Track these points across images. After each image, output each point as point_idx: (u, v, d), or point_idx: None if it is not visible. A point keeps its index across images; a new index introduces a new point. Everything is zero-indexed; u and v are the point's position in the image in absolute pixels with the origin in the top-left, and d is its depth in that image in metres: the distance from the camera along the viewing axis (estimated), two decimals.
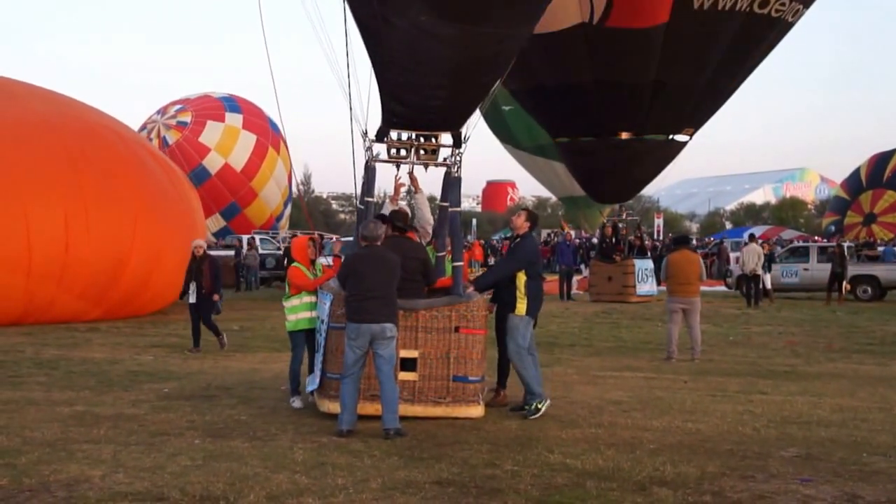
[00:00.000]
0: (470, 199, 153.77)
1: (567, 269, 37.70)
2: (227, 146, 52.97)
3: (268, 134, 54.70)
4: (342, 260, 12.21)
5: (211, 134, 52.94)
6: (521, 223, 12.68)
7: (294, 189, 60.54)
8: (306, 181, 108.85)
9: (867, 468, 9.50)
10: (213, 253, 43.20)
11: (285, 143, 56.56)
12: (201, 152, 52.47)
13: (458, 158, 12.66)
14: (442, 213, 12.73)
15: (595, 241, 47.14)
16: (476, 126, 12.98)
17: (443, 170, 12.76)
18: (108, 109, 30.77)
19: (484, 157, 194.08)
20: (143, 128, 54.77)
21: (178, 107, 55.23)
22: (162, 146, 51.78)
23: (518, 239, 12.79)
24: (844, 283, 35.38)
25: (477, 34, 11.73)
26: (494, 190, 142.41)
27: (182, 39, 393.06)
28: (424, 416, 11.64)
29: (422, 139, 12.67)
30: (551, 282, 37.87)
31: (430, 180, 12.93)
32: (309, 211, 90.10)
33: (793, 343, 21.84)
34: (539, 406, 12.09)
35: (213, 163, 52.57)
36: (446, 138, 12.75)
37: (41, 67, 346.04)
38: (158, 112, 55.62)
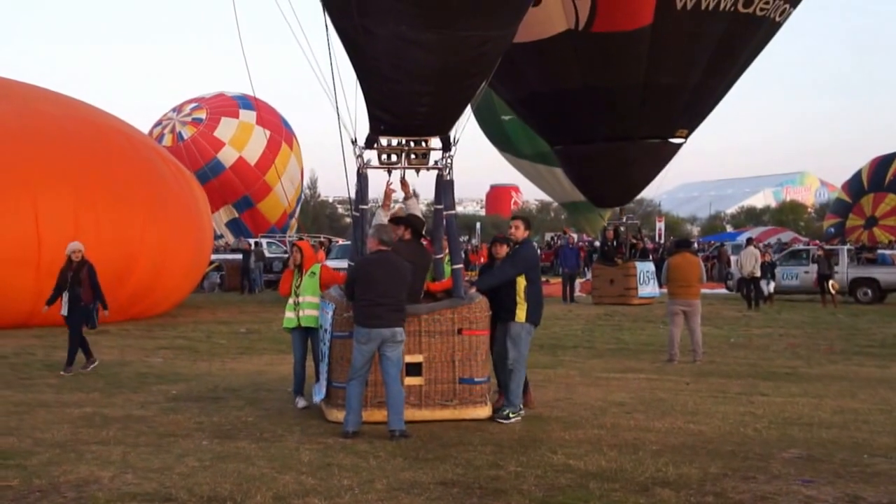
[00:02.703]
0: (474, 202, 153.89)
1: (570, 273, 37.77)
2: (242, 140, 53.52)
3: (281, 131, 55.24)
4: (354, 263, 12.19)
5: (225, 129, 53.49)
6: (522, 233, 12.70)
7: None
8: (312, 185, 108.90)
9: (868, 469, 9.57)
10: (220, 257, 43.66)
11: (297, 141, 56.90)
12: (216, 146, 53.06)
13: (448, 161, 12.64)
14: (437, 217, 12.75)
15: (597, 244, 47.16)
16: (465, 128, 12.95)
17: (436, 173, 12.77)
18: (120, 111, 31.01)
19: (487, 161, 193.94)
20: (159, 124, 55.50)
21: (193, 105, 55.79)
22: (177, 141, 52.59)
23: (518, 245, 12.82)
24: (832, 282, 35.56)
25: (458, 39, 11.72)
26: (498, 194, 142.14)
27: (194, 42, 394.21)
28: (432, 419, 11.70)
29: (412, 144, 12.66)
30: (554, 284, 38.06)
31: (428, 183, 12.89)
32: (315, 215, 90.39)
33: (793, 345, 21.88)
34: (511, 415, 12.06)
35: (227, 156, 53.18)
36: (436, 142, 12.74)
37: (49, 70, 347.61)
38: (174, 110, 56.18)
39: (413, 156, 12.69)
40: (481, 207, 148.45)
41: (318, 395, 12.34)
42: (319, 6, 12.28)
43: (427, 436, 10.98)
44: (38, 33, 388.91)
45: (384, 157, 12.67)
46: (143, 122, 78.96)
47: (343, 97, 12.36)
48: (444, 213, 12.62)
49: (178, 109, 56.04)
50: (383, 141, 12.62)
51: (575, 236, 56.88)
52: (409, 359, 11.66)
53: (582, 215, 52.02)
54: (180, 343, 21.63)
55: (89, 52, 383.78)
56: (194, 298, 33.31)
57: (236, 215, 55.14)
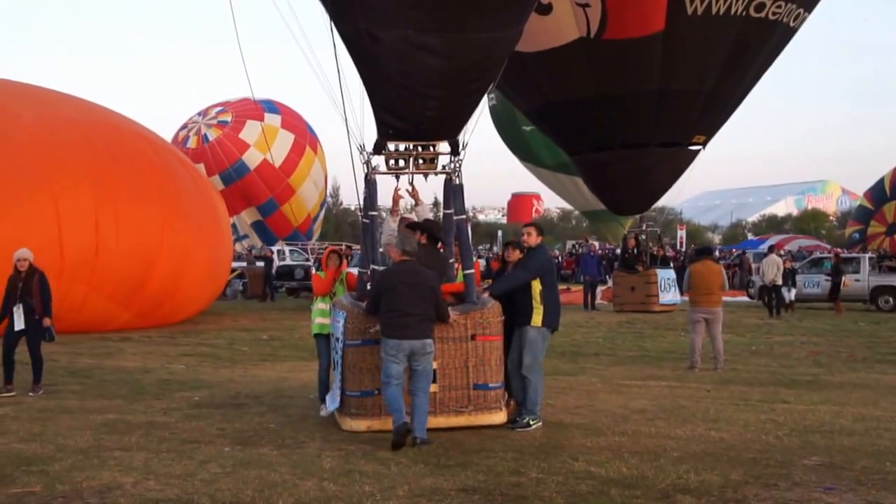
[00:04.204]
0: (495, 210, 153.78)
1: (591, 280, 37.77)
2: (266, 143, 53.84)
3: (305, 134, 55.78)
4: (378, 275, 12.06)
5: (250, 131, 54.10)
6: (535, 239, 12.55)
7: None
8: (335, 193, 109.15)
9: (890, 477, 9.54)
10: (241, 264, 43.79)
11: (322, 146, 57.28)
12: (241, 148, 53.69)
13: (457, 166, 12.50)
14: (446, 221, 12.65)
15: (619, 252, 47.19)
16: (474, 131, 12.80)
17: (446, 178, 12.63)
18: (144, 117, 31.21)
19: (509, 169, 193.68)
20: (184, 127, 56.13)
21: (218, 108, 56.30)
22: (202, 143, 53.22)
23: (531, 250, 12.74)
24: (844, 278, 35.78)
25: (465, 41, 11.64)
26: (519, 202, 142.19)
27: (220, 48, 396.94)
28: (447, 426, 11.62)
29: (419, 148, 12.53)
30: (576, 292, 38.05)
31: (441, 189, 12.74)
32: (337, 222, 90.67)
33: (815, 353, 21.83)
34: (531, 423, 11.98)
35: (252, 158, 53.89)
36: (444, 146, 12.59)
37: (72, 76, 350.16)
38: (199, 114, 56.79)
39: (421, 161, 12.59)
40: (503, 215, 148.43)
41: (332, 404, 12.19)
42: (324, 12, 12.20)
43: (449, 442, 10.99)
44: (60, 39, 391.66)
45: (391, 162, 12.58)
46: (167, 129, 79.17)
47: (350, 103, 12.34)
48: (455, 217, 12.51)
49: (203, 113, 56.63)
50: (391, 146, 12.51)
51: (596, 244, 56.86)
52: None
53: (603, 224, 52.08)
54: (203, 350, 21.77)
55: (114, 57, 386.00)
56: (217, 305, 33.45)
57: (260, 218, 55.58)
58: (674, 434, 11.72)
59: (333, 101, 12.30)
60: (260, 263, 44.87)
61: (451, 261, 12.67)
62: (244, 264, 44.80)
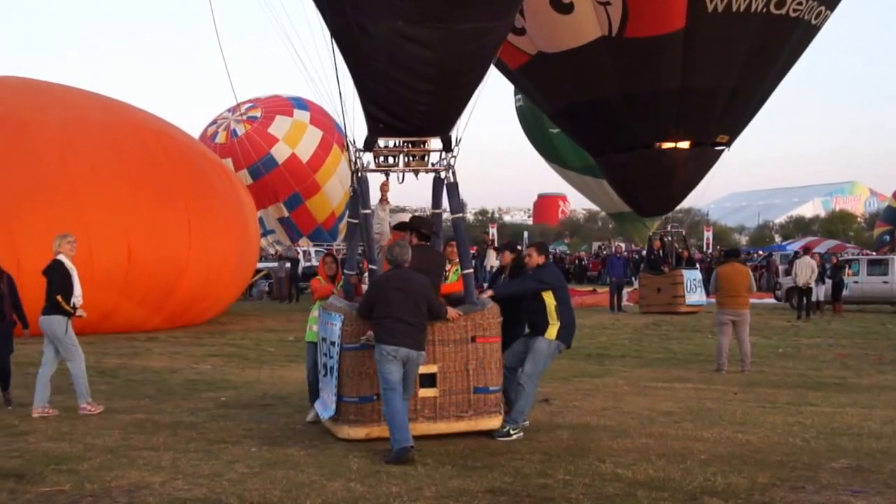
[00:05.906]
0: (521, 212, 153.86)
1: (617, 282, 37.70)
2: (295, 138, 54.75)
3: (333, 132, 55.95)
4: (370, 282, 11.80)
5: (279, 126, 54.74)
6: (536, 259, 12.27)
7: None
8: None
9: None
10: (266, 265, 43.87)
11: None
12: (269, 142, 54.44)
13: (450, 162, 12.15)
14: (436, 221, 12.50)
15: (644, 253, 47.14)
16: (466, 127, 12.46)
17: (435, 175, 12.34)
18: (173, 114, 31.17)
19: (535, 170, 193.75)
20: (214, 123, 56.61)
21: (248, 105, 56.70)
22: (230, 137, 53.65)
23: (538, 267, 12.34)
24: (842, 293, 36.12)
25: (457, 32, 11.46)
26: (545, 203, 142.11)
27: (250, 47, 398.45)
28: (448, 432, 11.35)
29: (409, 145, 12.23)
30: (602, 294, 38.05)
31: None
32: None
33: (843, 355, 21.74)
34: (512, 433, 11.62)
35: (280, 152, 54.60)
36: (435, 143, 12.27)
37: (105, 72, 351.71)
38: (229, 110, 57.05)
39: (411, 157, 12.27)
40: (529, 216, 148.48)
41: (327, 411, 11.68)
42: (314, 6, 12.01)
43: (475, 444, 10.99)
44: (96, 36, 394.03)
45: (381, 159, 12.23)
46: (197, 125, 79.36)
47: (340, 99, 12.14)
48: (452, 216, 12.20)
49: (233, 109, 57.00)
50: (381, 142, 12.19)
51: (623, 246, 56.79)
52: (422, 369, 11.12)
53: (630, 225, 52.03)
54: (229, 350, 21.82)
55: (142, 55, 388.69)
56: (243, 306, 33.57)
57: (286, 214, 55.89)
58: (700, 436, 11.70)
59: (326, 97, 12.18)
60: (273, 264, 45.07)
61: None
62: (273, 265, 45.02)
